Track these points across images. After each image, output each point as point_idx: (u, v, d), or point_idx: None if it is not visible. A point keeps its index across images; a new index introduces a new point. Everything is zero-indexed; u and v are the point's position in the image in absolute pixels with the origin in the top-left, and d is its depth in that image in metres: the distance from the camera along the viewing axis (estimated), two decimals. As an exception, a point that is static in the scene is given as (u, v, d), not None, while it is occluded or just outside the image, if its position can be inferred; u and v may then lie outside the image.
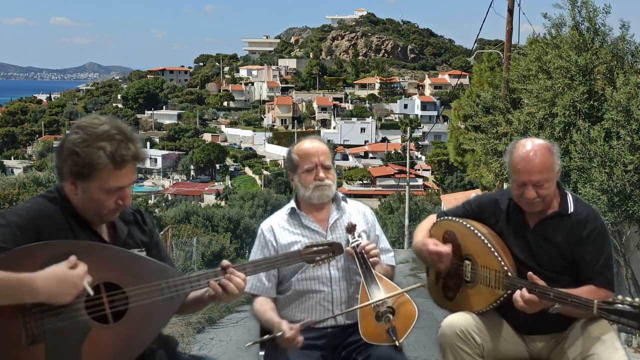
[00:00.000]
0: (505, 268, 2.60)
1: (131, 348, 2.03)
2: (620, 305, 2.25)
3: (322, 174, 2.76)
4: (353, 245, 2.72)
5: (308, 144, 2.82)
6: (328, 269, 2.74)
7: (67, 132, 2.14)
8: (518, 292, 2.49)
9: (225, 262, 2.29)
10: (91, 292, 1.93)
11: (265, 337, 2.42)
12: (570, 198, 2.70)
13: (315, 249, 2.45)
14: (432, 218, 3.03)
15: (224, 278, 2.23)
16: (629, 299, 2.26)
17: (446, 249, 2.74)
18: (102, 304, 1.99)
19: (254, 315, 2.77)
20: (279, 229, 2.84)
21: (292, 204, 2.90)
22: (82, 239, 2.07)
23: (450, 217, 2.91)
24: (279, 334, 2.42)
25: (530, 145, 2.60)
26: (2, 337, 1.86)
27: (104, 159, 2.00)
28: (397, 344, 2.49)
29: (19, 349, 1.86)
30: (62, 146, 2.06)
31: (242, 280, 2.25)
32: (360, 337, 2.57)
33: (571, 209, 2.66)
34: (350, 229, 2.77)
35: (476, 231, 2.74)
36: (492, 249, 2.66)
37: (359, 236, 2.76)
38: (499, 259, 2.63)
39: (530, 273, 2.49)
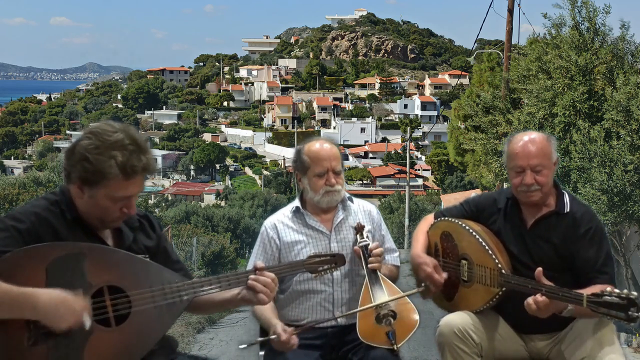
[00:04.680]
0: (500, 266, 2.62)
1: (133, 352, 2.03)
2: (608, 297, 2.25)
3: (333, 180, 2.74)
4: (361, 245, 2.71)
5: (320, 147, 2.76)
6: None
7: (80, 135, 2.10)
8: (530, 297, 2.45)
9: (259, 262, 2.26)
10: (87, 327, 1.90)
11: (259, 339, 2.42)
12: (567, 197, 2.73)
13: (318, 259, 2.44)
14: (429, 219, 3.04)
15: (250, 279, 2.19)
16: (617, 290, 2.26)
17: (440, 278, 2.74)
18: (105, 307, 1.98)
19: (253, 315, 2.74)
20: (283, 227, 2.82)
21: (297, 202, 2.87)
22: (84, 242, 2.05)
23: (447, 218, 2.93)
24: (274, 336, 2.40)
25: (528, 135, 2.68)
26: (4, 338, 1.86)
27: (114, 169, 1.97)
28: (395, 348, 2.49)
29: (21, 350, 1.86)
30: (73, 150, 2.02)
31: (270, 279, 2.20)
32: (356, 336, 2.56)
33: (567, 208, 2.69)
34: (359, 229, 2.77)
35: (471, 230, 2.75)
36: (487, 247, 2.67)
37: (367, 236, 2.75)
38: (493, 257, 2.65)
39: (538, 270, 2.46)
